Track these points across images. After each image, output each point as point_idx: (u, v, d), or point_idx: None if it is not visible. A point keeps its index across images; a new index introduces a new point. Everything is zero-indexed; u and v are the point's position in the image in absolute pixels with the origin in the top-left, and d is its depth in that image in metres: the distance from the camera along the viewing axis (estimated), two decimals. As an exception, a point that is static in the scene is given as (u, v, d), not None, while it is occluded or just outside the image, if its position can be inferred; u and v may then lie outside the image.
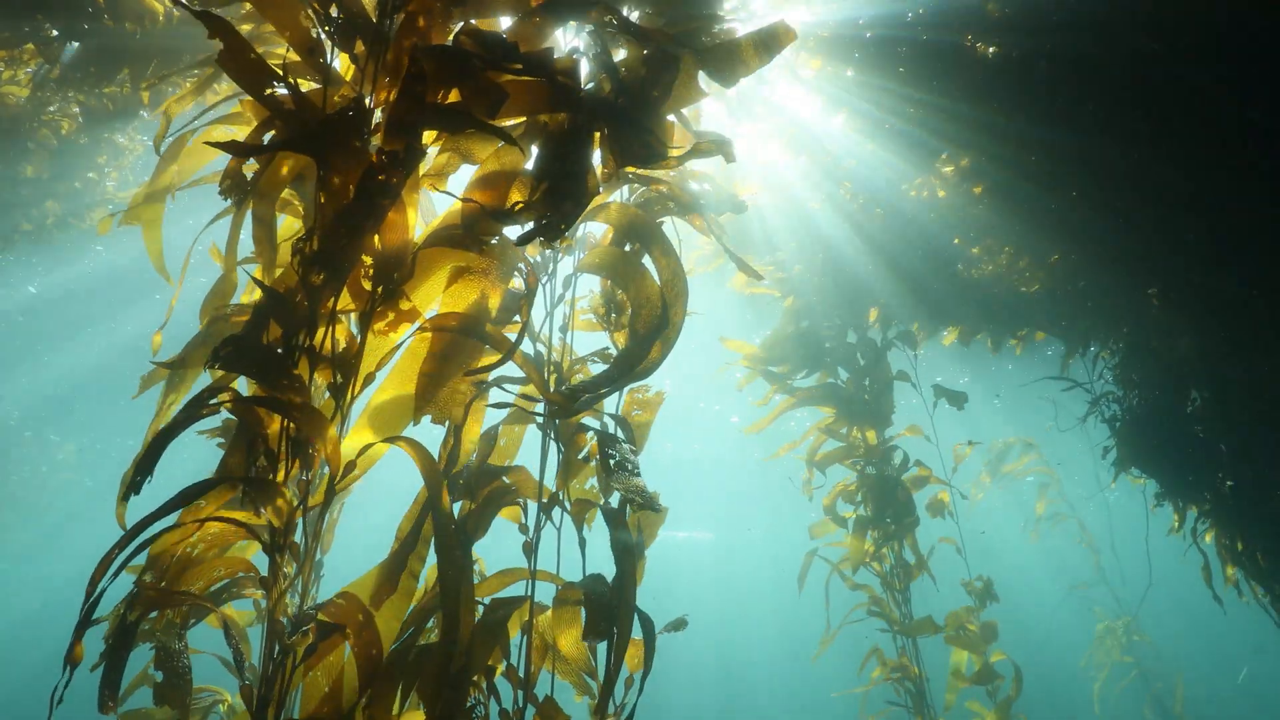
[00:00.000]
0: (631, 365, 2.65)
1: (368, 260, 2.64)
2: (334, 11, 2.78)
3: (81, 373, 25.69)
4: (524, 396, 3.07)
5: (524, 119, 2.94)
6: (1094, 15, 6.27)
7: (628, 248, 3.22)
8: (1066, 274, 8.17)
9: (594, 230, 3.55)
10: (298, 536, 2.48)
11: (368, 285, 2.66)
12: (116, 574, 2.11)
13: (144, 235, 3.63)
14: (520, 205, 2.66)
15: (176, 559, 2.53)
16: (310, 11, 2.76)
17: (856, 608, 7.26)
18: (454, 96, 2.69)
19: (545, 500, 3.09)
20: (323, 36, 2.80)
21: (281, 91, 2.72)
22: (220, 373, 2.92)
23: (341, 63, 3.06)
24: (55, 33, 6.65)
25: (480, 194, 2.79)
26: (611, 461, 2.81)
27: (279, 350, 2.48)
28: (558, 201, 2.53)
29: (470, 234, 2.70)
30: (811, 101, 7.39)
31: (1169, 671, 14.56)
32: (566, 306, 3.45)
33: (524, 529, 3.10)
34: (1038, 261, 8.23)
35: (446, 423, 2.95)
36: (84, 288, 20.54)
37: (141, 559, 2.54)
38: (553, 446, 3.20)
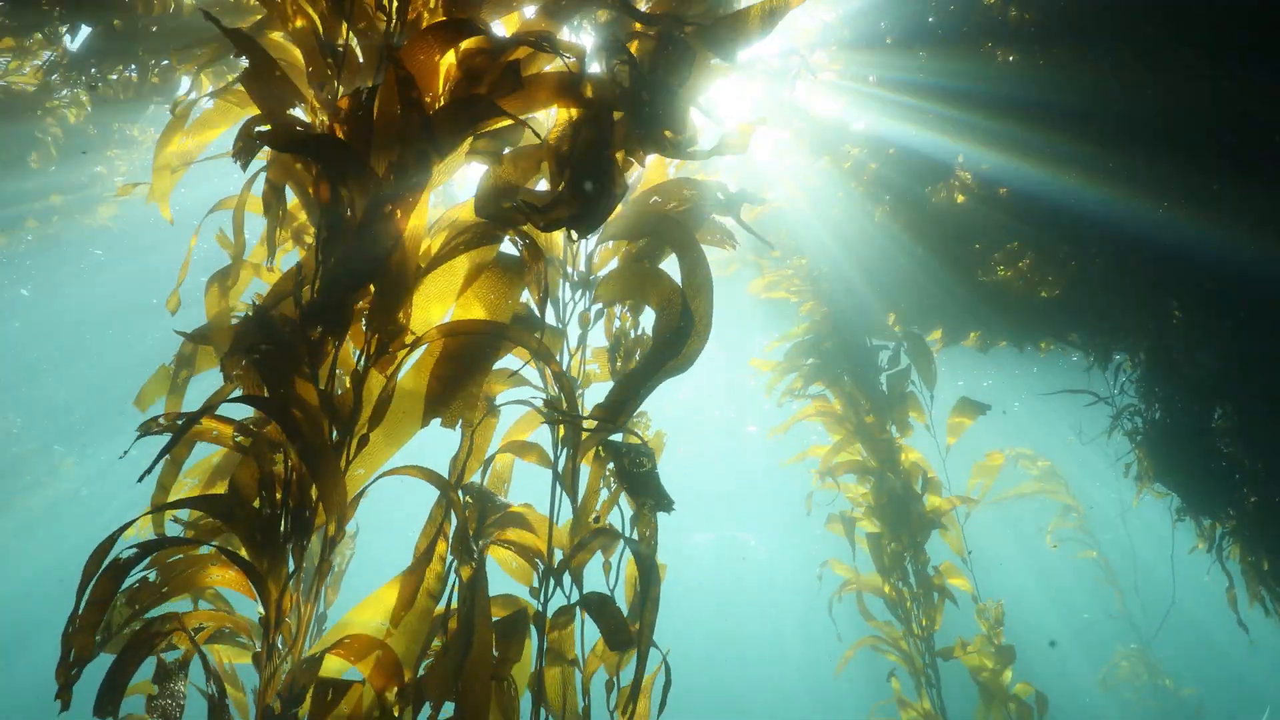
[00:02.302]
0: (660, 364, 2.52)
1: (364, 306, 2.52)
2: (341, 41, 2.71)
3: (81, 382, 25.72)
4: (547, 410, 2.93)
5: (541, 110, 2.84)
6: (1117, 21, 6.20)
7: (641, 259, 3.11)
8: (1086, 282, 8.04)
9: (600, 275, 3.44)
10: (300, 580, 2.38)
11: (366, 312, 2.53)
12: (125, 568, 2.01)
13: (153, 184, 3.60)
14: (548, 200, 2.54)
15: (180, 576, 2.42)
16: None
17: (866, 641, 7.04)
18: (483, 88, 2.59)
19: (555, 565, 2.93)
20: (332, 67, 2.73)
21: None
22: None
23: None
24: (65, 28, 6.61)
25: (497, 193, 2.68)
26: (626, 460, 2.68)
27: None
28: (586, 192, 2.41)
29: (490, 223, 2.58)
30: (832, 106, 7.32)
31: (1188, 708, 14.17)
32: (576, 355, 3.33)
33: (535, 593, 2.95)
34: (1058, 269, 8.10)
35: (459, 434, 2.83)
36: (84, 293, 20.53)
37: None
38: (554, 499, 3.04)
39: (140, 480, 1.94)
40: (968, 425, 7.72)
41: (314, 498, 2.41)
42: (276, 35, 3.38)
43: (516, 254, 2.80)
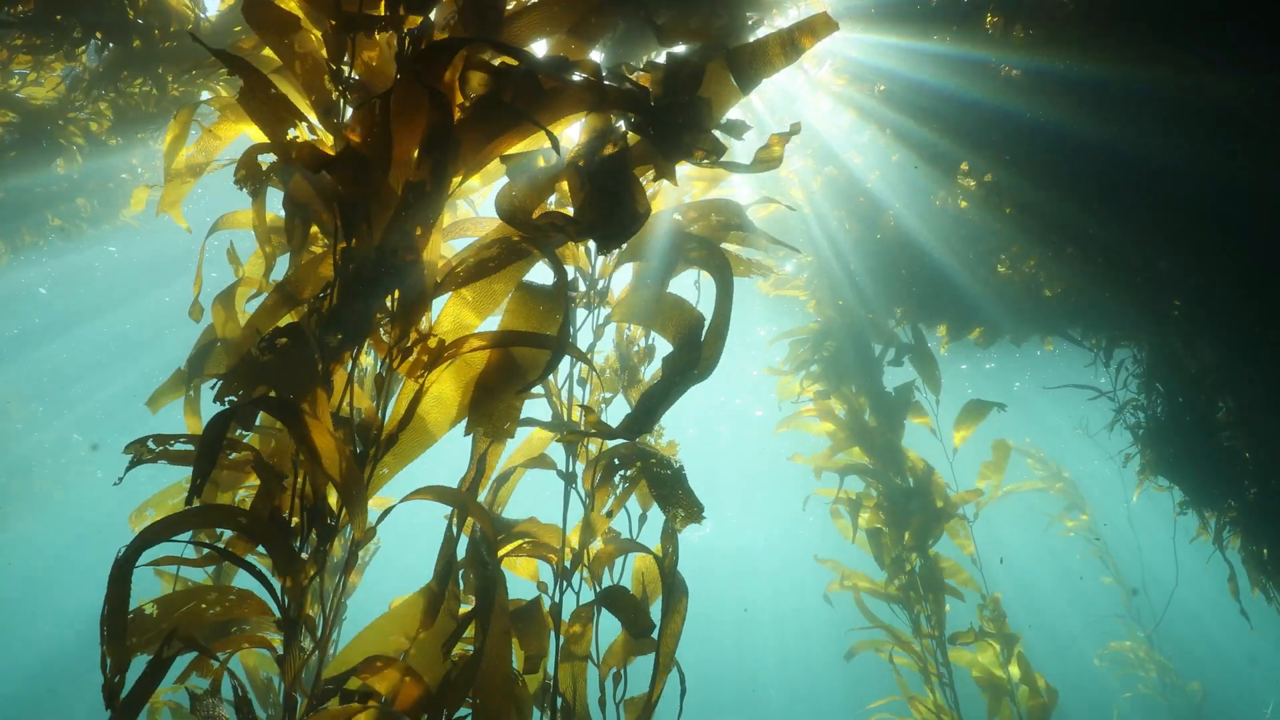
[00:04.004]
0: (683, 369, 2.54)
1: (383, 318, 2.51)
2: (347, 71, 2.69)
3: (88, 365, 25.90)
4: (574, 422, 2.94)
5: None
6: (1117, 35, 6.22)
7: (656, 279, 3.13)
8: (1087, 282, 8.07)
9: (613, 286, 3.47)
10: (322, 576, 2.38)
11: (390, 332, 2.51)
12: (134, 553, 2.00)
13: (163, 193, 3.59)
14: (572, 215, 2.55)
15: (196, 607, 2.43)
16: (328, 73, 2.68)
17: (867, 644, 7.02)
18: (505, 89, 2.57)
19: (569, 564, 2.95)
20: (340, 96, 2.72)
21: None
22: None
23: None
24: (83, 49, 6.63)
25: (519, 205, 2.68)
26: (653, 461, 2.70)
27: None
28: (611, 203, 2.42)
29: (518, 233, 2.59)
30: (839, 117, 7.35)
31: (1192, 703, 14.20)
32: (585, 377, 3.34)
33: (543, 587, 2.98)
34: (1059, 270, 8.14)
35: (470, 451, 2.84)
36: (101, 268, 20.78)
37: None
38: (563, 505, 3.06)
39: (189, 503, 1.94)
40: (976, 426, 7.68)
41: (335, 508, 2.41)
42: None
43: (545, 283, 2.80)
